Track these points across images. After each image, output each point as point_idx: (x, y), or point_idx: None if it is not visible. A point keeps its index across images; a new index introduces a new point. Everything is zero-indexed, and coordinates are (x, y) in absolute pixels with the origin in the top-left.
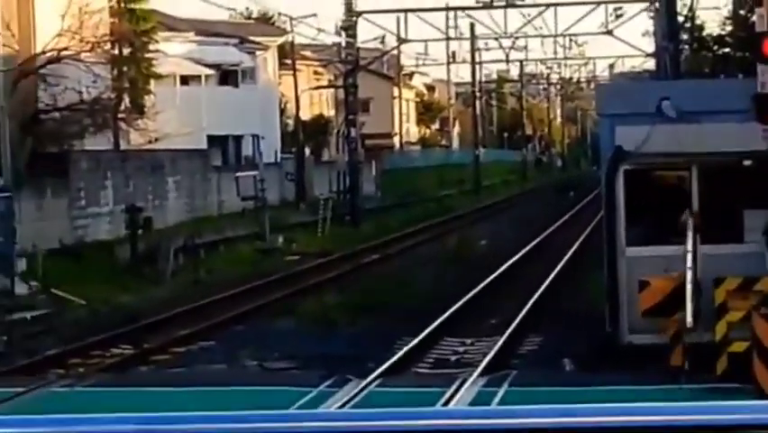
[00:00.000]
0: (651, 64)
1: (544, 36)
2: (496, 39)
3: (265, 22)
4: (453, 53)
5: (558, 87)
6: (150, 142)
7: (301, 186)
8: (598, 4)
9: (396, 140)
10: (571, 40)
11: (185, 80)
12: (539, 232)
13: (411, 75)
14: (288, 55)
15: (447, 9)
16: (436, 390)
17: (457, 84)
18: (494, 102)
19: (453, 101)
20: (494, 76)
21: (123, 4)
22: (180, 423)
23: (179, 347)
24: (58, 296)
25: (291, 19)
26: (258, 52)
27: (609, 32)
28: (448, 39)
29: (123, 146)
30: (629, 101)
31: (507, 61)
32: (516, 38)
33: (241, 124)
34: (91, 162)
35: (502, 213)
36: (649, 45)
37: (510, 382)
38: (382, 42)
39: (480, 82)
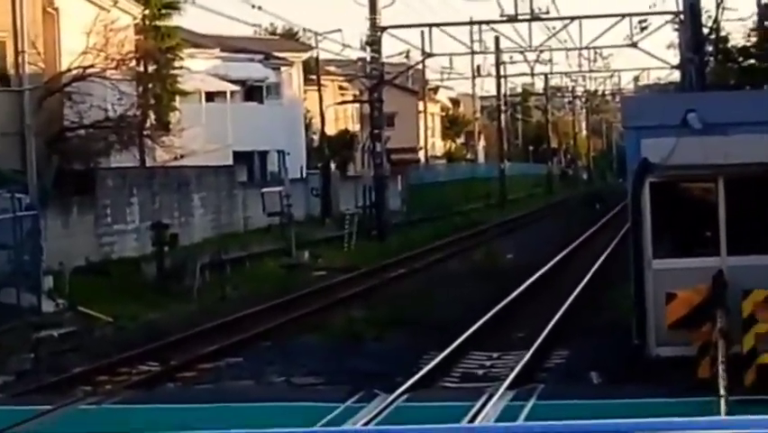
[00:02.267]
0: (676, 76)
1: (568, 49)
2: (521, 52)
3: (290, 37)
4: (478, 67)
5: (583, 99)
6: (175, 158)
7: (327, 201)
8: (623, 16)
9: (421, 154)
10: (595, 52)
11: (210, 96)
12: (565, 245)
13: (436, 89)
14: (312, 70)
15: (471, 23)
16: (463, 404)
17: (482, 98)
18: (519, 115)
19: (479, 115)
20: (519, 89)
21: (148, 22)
22: None
23: (206, 364)
24: (84, 313)
25: (316, 34)
26: (283, 68)
27: (634, 45)
28: (473, 53)
29: (148, 163)
30: (655, 113)
31: (532, 75)
32: (541, 51)
33: (266, 139)
34: (117, 179)
35: (528, 226)
36: (674, 57)
37: (538, 395)
38: (407, 57)
39: (505, 95)
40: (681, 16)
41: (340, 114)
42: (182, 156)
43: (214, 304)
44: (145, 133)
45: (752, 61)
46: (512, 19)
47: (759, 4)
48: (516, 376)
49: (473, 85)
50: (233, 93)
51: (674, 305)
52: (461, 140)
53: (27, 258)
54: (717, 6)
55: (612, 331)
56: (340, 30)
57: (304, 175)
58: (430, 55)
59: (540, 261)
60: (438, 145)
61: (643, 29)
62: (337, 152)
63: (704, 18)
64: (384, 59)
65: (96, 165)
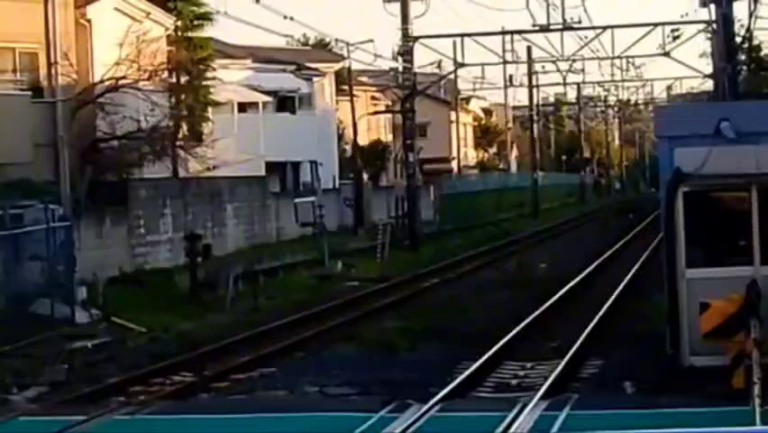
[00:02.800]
0: (709, 85)
1: (601, 58)
2: (553, 62)
3: (322, 48)
4: (510, 77)
5: (616, 109)
6: (208, 169)
7: (359, 211)
8: (655, 25)
9: (453, 164)
10: (628, 62)
11: (242, 107)
12: (599, 254)
13: (468, 99)
14: (345, 81)
15: (503, 33)
16: (497, 414)
17: (514, 107)
18: (551, 125)
19: (511, 125)
20: (551, 99)
21: (180, 33)
22: None
23: (240, 374)
24: (118, 324)
25: (348, 45)
26: (315, 78)
27: (667, 54)
28: (505, 62)
29: (181, 174)
30: (688, 123)
31: (565, 84)
32: (574, 60)
33: (299, 150)
34: (150, 190)
35: (561, 236)
36: (707, 66)
37: (572, 405)
38: (439, 67)
39: (538, 105)
40: (714, 25)
41: (372, 124)
42: (215, 167)
43: (248, 314)
44: (178, 143)
45: None
46: (544, 29)
47: None
48: (550, 386)
49: (505, 95)
50: (265, 104)
51: (708, 315)
52: (493, 150)
53: (61, 269)
54: (750, 15)
55: (646, 341)
56: (372, 40)
57: (336, 185)
58: (462, 65)
59: (573, 270)
60: (471, 155)
61: (675, 38)
62: (370, 163)
63: (737, 27)
64: (416, 69)
65: (128, 176)
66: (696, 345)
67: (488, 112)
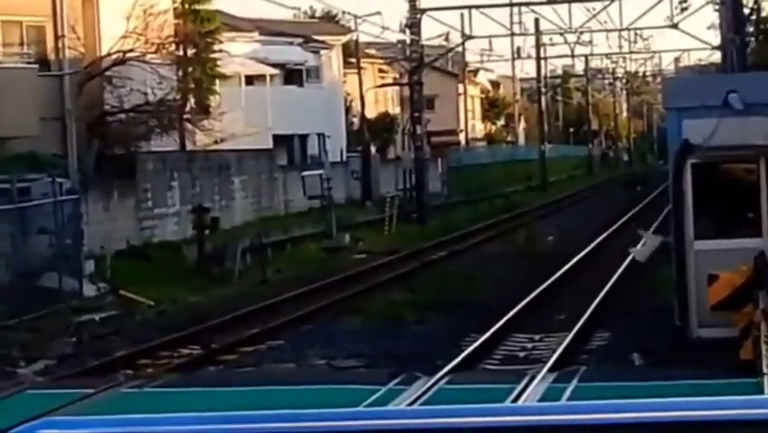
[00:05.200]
0: (717, 57)
1: (608, 30)
2: (561, 34)
3: (329, 20)
4: (518, 49)
5: (624, 81)
6: (215, 142)
7: (367, 184)
8: None
9: (461, 137)
10: (636, 34)
11: (249, 80)
12: (606, 227)
13: (476, 71)
14: (352, 53)
15: (511, 5)
16: (505, 386)
17: (522, 80)
18: (559, 97)
19: (519, 97)
20: (559, 71)
21: (187, 6)
22: (249, 422)
23: (247, 347)
24: (126, 297)
25: (355, 17)
26: (322, 51)
27: (675, 26)
28: (512, 35)
29: (188, 147)
30: (696, 94)
31: (572, 56)
32: (581, 33)
33: (306, 123)
34: (157, 163)
35: (569, 208)
36: (715, 38)
37: (580, 378)
38: (446, 39)
39: (546, 77)
40: None
41: (380, 96)
42: (222, 140)
43: (255, 287)
44: (185, 117)
45: None
46: (552, 0)
47: None
48: (558, 358)
49: (513, 67)
50: (272, 76)
51: (716, 286)
52: (501, 122)
53: (68, 242)
54: None
55: (654, 313)
56: (379, 12)
57: (344, 158)
58: (470, 37)
59: (581, 243)
60: (478, 128)
61: (683, 9)
62: (377, 135)
63: None
64: (424, 42)
65: (136, 149)
66: (704, 317)
67: (495, 84)
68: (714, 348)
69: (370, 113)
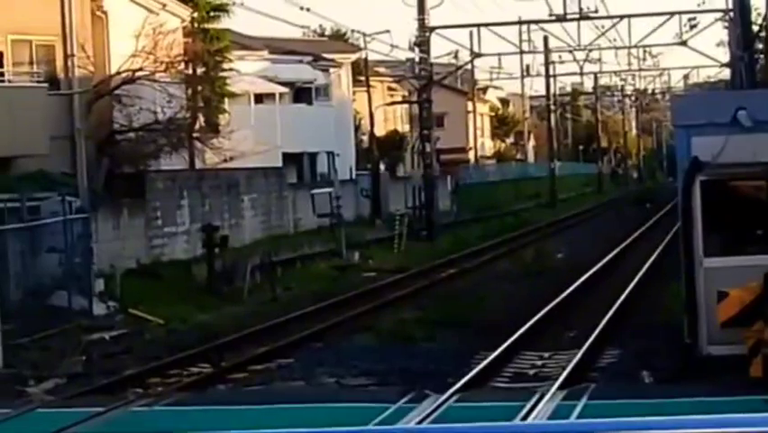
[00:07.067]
0: (726, 74)
1: (617, 48)
2: (570, 51)
3: (338, 39)
4: (527, 67)
5: (633, 98)
6: (225, 160)
7: (376, 202)
8: (672, 14)
9: (471, 154)
10: (645, 51)
11: (259, 98)
12: (616, 244)
13: (485, 89)
14: (361, 72)
15: (520, 23)
16: (515, 404)
17: (531, 97)
18: (569, 115)
19: (528, 114)
20: (568, 89)
21: (196, 24)
22: None
23: (257, 365)
24: (135, 315)
25: (364, 36)
26: (331, 69)
27: (684, 43)
28: (522, 52)
29: (198, 165)
30: (705, 112)
31: (582, 74)
32: (590, 50)
33: (315, 141)
34: (167, 182)
35: (578, 226)
36: (724, 55)
37: (589, 395)
38: (456, 57)
39: (555, 95)
40: (731, 14)
41: (389, 114)
42: (231, 158)
43: (265, 305)
44: (194, 135)
45: None
46: (561, 18)
47: None
48: (568, 376)
49: (522, 84)
50: (281, 95)
51: (726, 303)
52: (510, 140)
53: (78, 261)
54: (767, 4)
55: (663, 330)
56: (388, 31)
57: (353, 176)
58: (479, 55)
59: (591, 260)
60: (488, 145)
61: (692, 27)
62: (387, 153)
63: (753, 15)
64: (433, 60)
65: (145, 168)
66: (714, 334)
67: (505, 102)
68: (724, 366)
69: (380, 131)
